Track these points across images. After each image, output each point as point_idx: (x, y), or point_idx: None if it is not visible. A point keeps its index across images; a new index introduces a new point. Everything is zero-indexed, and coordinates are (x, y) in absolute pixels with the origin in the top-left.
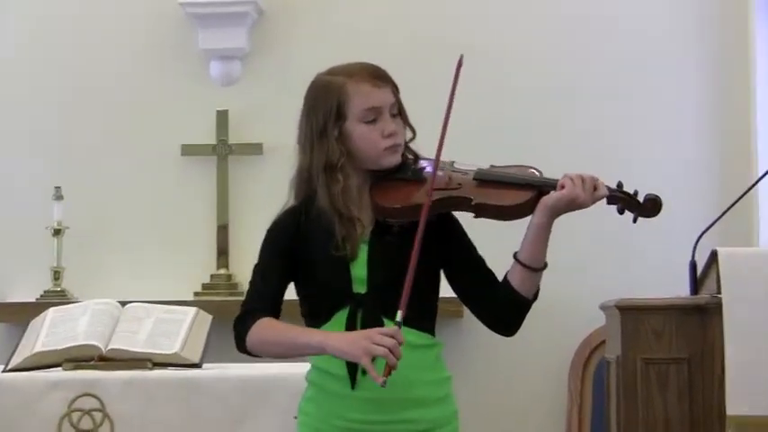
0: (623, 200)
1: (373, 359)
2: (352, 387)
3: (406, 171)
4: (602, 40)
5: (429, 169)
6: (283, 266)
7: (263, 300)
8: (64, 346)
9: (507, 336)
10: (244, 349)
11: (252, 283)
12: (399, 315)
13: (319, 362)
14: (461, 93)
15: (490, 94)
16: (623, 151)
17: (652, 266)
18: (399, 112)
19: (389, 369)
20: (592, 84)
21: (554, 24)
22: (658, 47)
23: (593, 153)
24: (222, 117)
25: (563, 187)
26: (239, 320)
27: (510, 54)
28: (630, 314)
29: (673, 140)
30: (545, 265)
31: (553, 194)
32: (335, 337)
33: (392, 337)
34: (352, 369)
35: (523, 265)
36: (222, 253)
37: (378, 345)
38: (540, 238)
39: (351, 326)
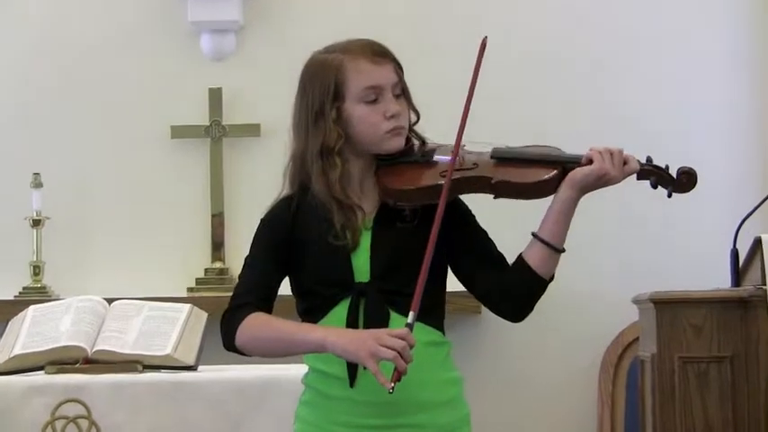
0: (655, 173)
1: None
2: (351, 386)
3: (414, 154)
4: (637, 12)
5: (438, 152)
6: (277, 259)
7: (254, 293)
8: (46, 348)
9: (515, 320)
10: (232, 347)
11: (242, 275)
12: (411, 316)
13: (316, 363)
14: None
15: (504, 68)
16: (659, 132)
17: (690, 256)
18: (403, 93)
19: (399, 374)
20: (626, 61)
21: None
22: (698, 17)
23: (625, 134)
24: (215, 95)
25: (590, 161)
26: (228, 315)
27: (528, 28)
28: (666, 308)
29: (712, 120)
30: (563, 249)
31: (581, 169)
32: (338, 333)
33: (403, 339)
34: (352, 368)
35: (543, 243)
36: (217, 245)
37: (386, 347)
38: (565, 214)
39: (352, 318)
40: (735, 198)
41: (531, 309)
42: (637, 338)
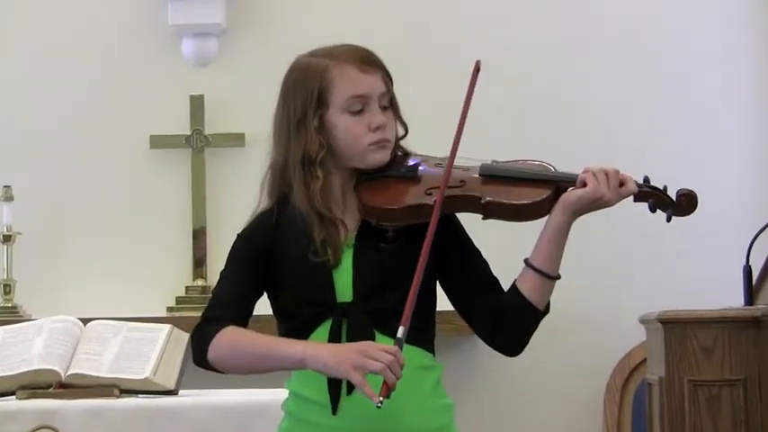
0: (654, 195)
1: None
2: (334, 412)
3: (398, 168)
4: (645, 31)
5: (423, 167)
6: (254, 275)
7: (229, 308)
8: (17, 372)
9: (511, 355)
10: (204, 362)
11: (216, 289)
12: (401, 331)
13: (297, 387)
14: (463, 74)
15: (498, 83)
16: (666, 146)
17: (700, 273)
18: (391, 105)
19: (387, 389)
20: (631, 75)
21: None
22: (706, 37)
23: (629, 149)
24: (197, 103)
25: (585, 184)
26: (200, 329)
27: (524, 46)
28: (675, 328)
29: (723, 136)
30: (558, 276)
31: (574, 192)
32: (319, 347)
33: (392, 354)
34: (335, 394)
35: (536, 271)
36: (199, 261)
37: (373, 359)
38: (557, 240)
39: (335, 339)
40: (747, 213)
41: (526, 343)
42: (644, 360)
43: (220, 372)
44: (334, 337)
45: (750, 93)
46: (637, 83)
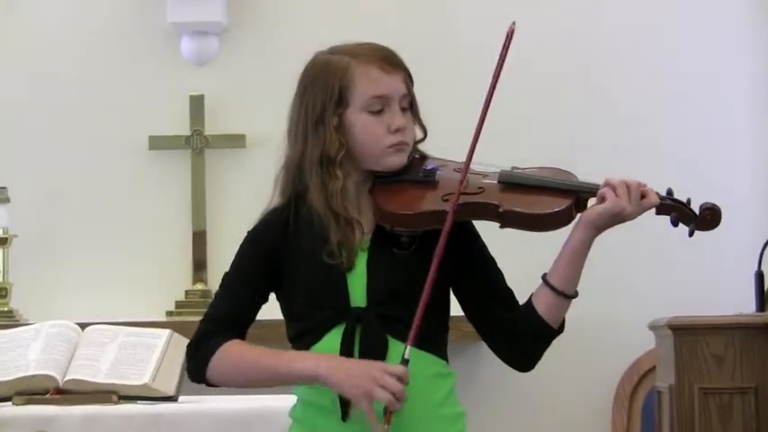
0: (676, 209)
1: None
2: (344, 419)
3: (415, 172)
4: (651, 31)
5: (441, 172)
6: (262, 278)
7: (228, 319)
8: (13, 378)
9: (523, 371)
10: (201, 378)
11: (218, 295)
12: (407, 351)
13: (306, 394)
14: (477, 78)
15: (517, 84)
16: (677, 151)
17: (710, 278)
18: (411, 107)
19: (390, 415)
20: (641, 79)
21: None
22: (717, 39)
23: (642, 155)
24: (197, 103)
25: (604, 199)
26: (196, 344)
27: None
28: (686, 335)
29: (732, 139)
30: (576, 294)
31: (594, 208)
32: (331, 365)
33: (401, 379)
34: (345, 400)
35: (553, 290)
36: (199, 265)
37: (382, 388)
38: (578, 259)
39: (347, 345)
40: (759, 218)
41: (537, 360)
42: (653, 368)
43: (217, 387)
44: (348, 343)
45: (762, 98)
46: (649, 88)
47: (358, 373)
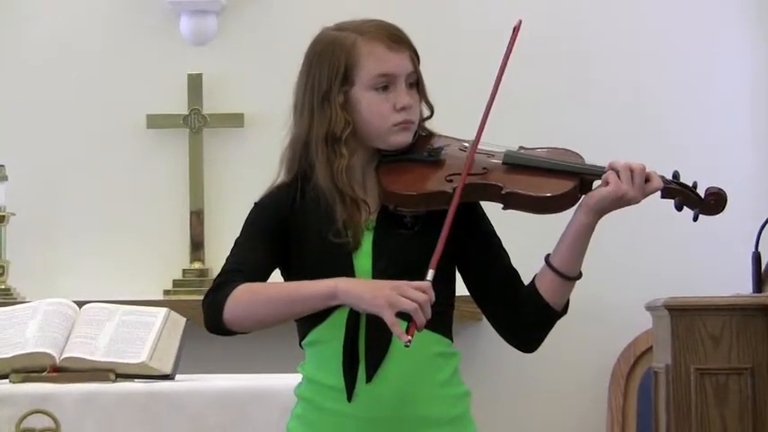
0: (681, 193)
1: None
2: (349, 399)
3: (420, 151)
4: (656, 16)
5: (446, 150)
6: (272, 247)
7: (241, 273)
8: (10, 355)
9: (527, 351)
10: (219, 325)
11: (230, 255)
12: (431, 273)
13: (310, 371)
14: (483, 59)
15: (522, 66)
16: (675, 132)
17: (707, 259)
18: (417, 85)
19: (414, 328)
20: (641, 63)
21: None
22: (716, 22)
23: (642, 138)
24: (195, 82)
25: (608, 183)
26: (212, 293)
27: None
28: (682, 316)
29: (731, 121)
30: (580, 275)
31: (596, 191)
32: (351, 281)
33: (424, 292)
34: (350, 378)
35: (556, 272)
36: (196, 244)
37: (407, 298)
38: (580, 241)
39: (353, 324)
40: (757, 199)
41: (541, 341)
42: (650, 348)
43: (236, 332)
44: (353, 322)
45: (761, 80)
46: (649, 71)
47: (380, 286)
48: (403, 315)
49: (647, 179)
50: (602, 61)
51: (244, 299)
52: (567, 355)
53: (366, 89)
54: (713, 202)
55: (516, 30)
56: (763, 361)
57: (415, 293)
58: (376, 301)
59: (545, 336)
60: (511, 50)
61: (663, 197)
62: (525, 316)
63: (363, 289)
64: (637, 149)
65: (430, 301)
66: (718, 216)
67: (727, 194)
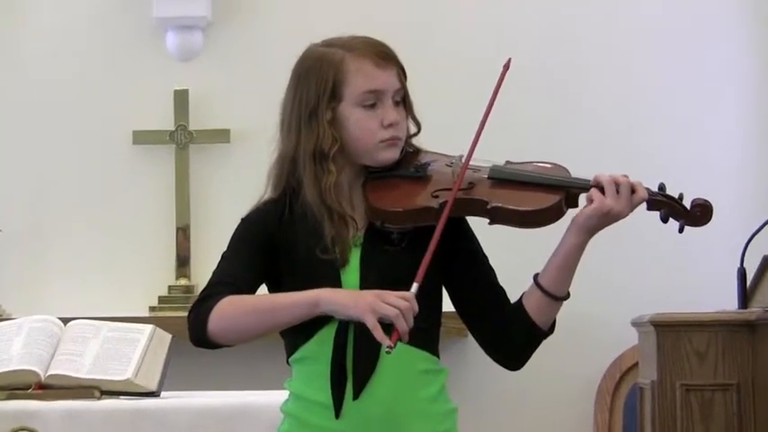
0: (667, 204)
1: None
2: (337, 416)
3: (407, 167)
4: (641, 35)
5: (433, 166)
6: (258, 262)
7: (225, 284)
8: None
9: (512, 369)
10: (204, 336)
11: (216, 269)
12: (415, 287)
13: (297, 387)
14: (476, 79)
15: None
16: (660, 147)
17: (693, 275)
18: (404, 101)
19: (398, 336)
20: (627, 79)
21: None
22: (701, 42)
23: (628, 152)
24: (181, 98)
25: (592, 201)
26: (197, 305)
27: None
28: (668, 332)
29: (716, 136)
30: (568, 295)
31: (583, 211)
32: (333, 291)
33: (407, 301)
34: (338, 395)
35: (544, 292)
36: (182, 260)
37: (389, 305)
38: (570, 262)
39: (341, 340)
40: (742, 215)
41: (526, 360)
42: (636, 364)
43: (221, 344)
44: (341, 339)
45: (745, 97)
46: (633, 85)
47: (363, 293)
48: (387, 327)
49: (633, 190)
50: (593, 74)
51: (228, 310)
52: (553, 371)
53: (354, 105)
54: (699, 214)
55: (506, 68)
56: (748, 377)
57: (397, 300)
58: (358, 306)
59: (531, 354)
60: (500, 87)
61: (649, 209)
62: (511, 334)
63: (346, 296)
64: (624, 164)
65: (412, 309)
66: (704, 233)
67: (713, 211)
